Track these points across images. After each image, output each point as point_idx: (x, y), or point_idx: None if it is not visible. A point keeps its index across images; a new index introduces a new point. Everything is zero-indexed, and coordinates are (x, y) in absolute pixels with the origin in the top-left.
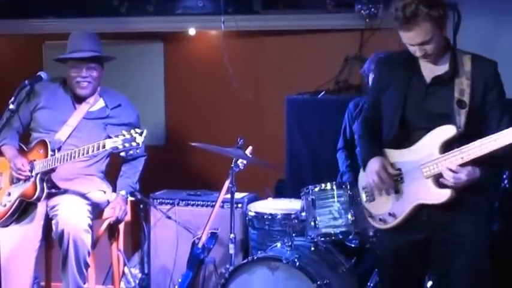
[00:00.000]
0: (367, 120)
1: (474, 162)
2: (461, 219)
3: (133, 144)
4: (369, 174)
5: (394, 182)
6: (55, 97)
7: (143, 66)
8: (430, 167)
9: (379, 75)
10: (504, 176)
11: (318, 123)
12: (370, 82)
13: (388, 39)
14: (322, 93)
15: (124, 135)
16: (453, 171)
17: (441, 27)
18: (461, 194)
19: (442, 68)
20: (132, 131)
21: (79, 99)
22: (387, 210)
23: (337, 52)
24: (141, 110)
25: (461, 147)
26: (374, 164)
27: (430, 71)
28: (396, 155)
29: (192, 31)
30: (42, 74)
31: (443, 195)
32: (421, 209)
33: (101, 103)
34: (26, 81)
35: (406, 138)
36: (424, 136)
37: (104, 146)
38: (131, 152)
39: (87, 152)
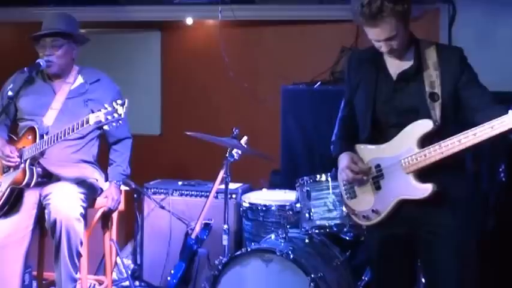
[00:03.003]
0: (341, 120)
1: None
2: (441, 213)
3: (116, 115)
4: (340, 171)
5: (373, 178)
6: (32, 83)
7: (140, 55)
8: (411, 162)
9: (348, 75)
10: (500, 169)
11: (313, 113)
12: None
13: None
14: (318, 83)
15: (106, 108)
16: None
17: (406, 22)
18: (442, 189)
19: (408, 63)
20: (114, 103)
21: (53, 80)
22: (370, 207)
23: (333, 43)
24: (137, 99)
25: (441, 142)
26: (343, 160)
27: (396, 67)
28: (373, 151)
29: (189, 20)
30: (41, 62)
31: (425, 190)
32: (403, 205)
33: (79, 80)
34: (26, 69)
35: (380, 136)
36: (401, 132)
37: (87, 121)
38: (114, 124)
39: (72, 130)
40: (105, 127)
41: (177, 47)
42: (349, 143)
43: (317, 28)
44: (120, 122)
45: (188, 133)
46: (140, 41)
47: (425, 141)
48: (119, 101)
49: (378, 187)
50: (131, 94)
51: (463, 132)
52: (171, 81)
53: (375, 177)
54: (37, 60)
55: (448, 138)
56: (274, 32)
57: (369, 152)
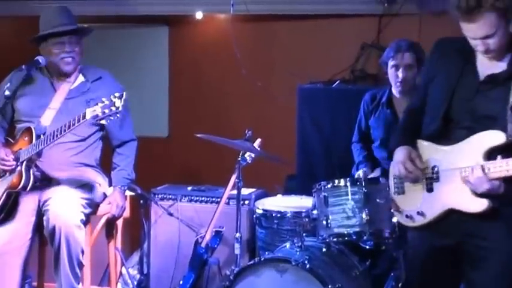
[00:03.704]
0: (409, 112)
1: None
2: (493, 228)
3: (113, 108)
4: (395, 164)
5: (427, 179)
6: (32, 82)
7: (147, 51)
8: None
9: (430, 62)
10: None
11: (331, 114)
12: (388, 71)
13: (407, 25)
14: (337, 82)
15: (103, 102)
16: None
17: (506, 21)
18: (498, 206)
19: (500, 67)
20: (111, 96)
21: (58, 80)
22: (416, 208)
23: (353, 39)
24: (143, 99)
25: (509, 159)
26: (399, 153)
27: (486, 67)
28: (434, 150)
29: (199, 15)
30: (40, 59)
31: (479, 205)
32: (452, 214)
33: (80, 78)
34: (23, 66)
35: (445, 135)
36: (469, 137)
37: (84, 117)
38: (111, 118)
39: (69, 127)
40: (103, 121)
41: (186, 43)
42: (410, 137)
43: (336, 23)
44: (118, 115)
45: (198, 135)
46: (146, 37)
47: (493, 154)
48: (117, 94)
49: (430, 189)
50: (137, 93)
51: None
52: (180, 79)
53: (429, 178)
54: (36, 57)
55: None
56: (290, 27)
57: (429, 150)
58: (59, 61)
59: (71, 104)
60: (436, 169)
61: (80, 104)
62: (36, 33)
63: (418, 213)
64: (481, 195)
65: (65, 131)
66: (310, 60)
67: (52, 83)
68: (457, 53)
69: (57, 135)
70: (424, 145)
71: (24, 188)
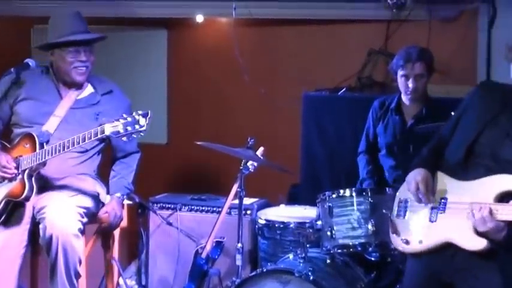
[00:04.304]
0: (440, 137)
1: None
2: (489, 268)
3: (137, 127)
4: (409, 179)
5: (432, 208)
6: (38, 87)
7: (144, 55)
8: (477, 210)
9: (471, 97)
10: None
11: (337, 123)
12: (398, 80)
13: (416, 32)
14: (343, 90)
15: (126, 119)
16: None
17: None
18: (495, 247)
19: None
20: (134, 113)
21: (65, 88)
22: (414, 234)
23: (360, 45)
24: (141, 105)
25: None
26: (417, 173)
27: None
28: (447, 182)
29: (199, 18)
30: (30, 62)
31: (478, 244)
32: (447, 248)
33: (89, 89)
34: (12, 69)
35: (464, 167)
36: (485, 177)
37: (102, 132)
38: (134, 135)
39: (84, 140)
40: (124, 138)
41: (186, 47)
42: (432, 165)
43: (342, 28)
44: (142, 134)
45: (198, 143)
46: (144, 40)
47: (505, 198)
48: (140, 111)
49: (432, 219)
50: (134, 99)
51: None
52: (179, 85)
53: (435, 207)
54: (25, 60)
55: None
56: (294, 32)
57: (442, 180)
58: (71, 70)
59: (77, 114)
60: (444, 201)
61: (88, 116)
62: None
63: (415, 239)
64: (482, 234)
65: (78, 143)
66: (315, 66)
67: (59, 89)
68: (501, 95)
69: (68, 147)
70: (439, 174)
71: (27, 198)
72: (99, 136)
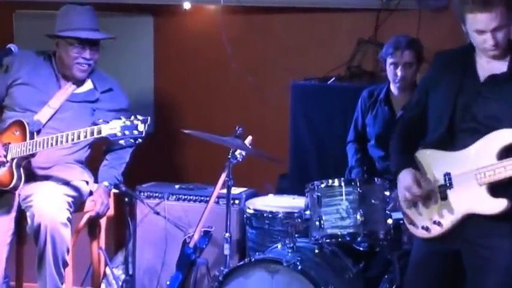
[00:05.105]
0: (407, 121)
1: None
2: (503, 233)
3: (135, 132)
4: (401, 190)
5: (440, 187)
6: (38, 74)
7: (130, 43)
8: (487, 173)
9: (429, 73)
10: None
11: (326, 112)
12: (387, 69)
13: (406, 21)
14: (332, 79)
15: (124, 122)
16: None
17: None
18: None
19: (500, 68)
20: (133, 117)
21: (65, 79)
22: (432, 218)
23: (349, 34)
24: (126, 93)
25: None
26: (404, 179)
27: (486, 70)
28: (444, 158)
29: (187, 5)
30: (12, 47)
31: (498, 205)
32: (467, 220)
33: (89, 85)
34: None
35: (449, 141)
36: (480, 140)
37: (99, 132)
38: (132, 140)
39: (78, 138)
40: (122, 142)
41: (172, 35)
42: (409, 153)
43: (332, 17)
44: (140, 140)
45: (185, 131)
46: (129, 27)
47: (506, 153)
48: (140, 117)
49: (443, 197)
50: (122, 89)
51: None
52: (165, 73)
53: (442, 186)
54: (8, 45)
55: None
56: (283, 20)
57: (437, 158)
58: (73, 65)
59: (73, 108)
60: (448, 176)
61: (84, 112)
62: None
63: (434, 222)
64: (499, 195)
65: (73, 140)
66: (304, 55)
67: (58, 80)
68: (456, 62)
69: (61, 142)
70: (428, 154)
71: (15, 188)
72: (95, 136)
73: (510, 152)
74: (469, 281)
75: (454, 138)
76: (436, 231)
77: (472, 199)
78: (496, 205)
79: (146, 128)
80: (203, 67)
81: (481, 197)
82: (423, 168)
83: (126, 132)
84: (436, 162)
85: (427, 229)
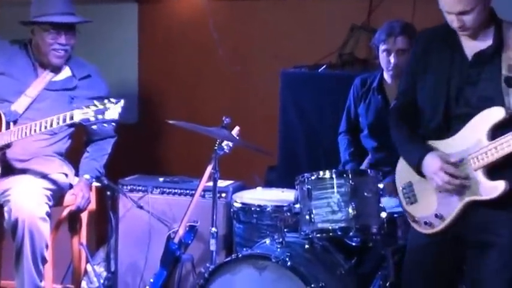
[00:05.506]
0: (401, 109)
1: None
2: (502, 218)
3: (108, 115)
4: (435, 176)
5: None
6: (14, 63)
7: (114, 30)
8: (479, 157)
9: (414, 57)
10: None
11: (317, 102)
12: (380, 56)
13: (400, 6)
14: (323, 67)
15: (96, 106)
16: None
17: None
18: None
19: (486, 43)
20: (106, 101)
21: (42, 68)
22: (432, 212)
23: (341, 20)
24: (110, 82)
25: None
26: (432, 162)
27: (472, 47)
28: (438, 147)
29: None
30: None
31: (496, 188)
32: (468, 209)
33: (66, 72)
34: None
35: (446, 127)
36: (468, 123)
37: (71, 118)
38: (105, 125)
39: (51, 125)
40: (94, 127)
41: (157, 21)
42: (421, 139)
43: (323, 2)
44: (113, 124)
45: (170, 121)
46: (113, 15)
47: (498, 132)
48: (113, 99)
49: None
50: (103, 75)
51: None
52: (150, 61)
53: None
54: None
55: None
56: (272, 6)
57: (434, 148)
58: (49, 51)
59: (51, 96)
60: None
61: (62, 100)
62: None
63: (436, 216)
64: (496, 177)
65: (46, 127)
66: (294, 42)
67: (35, 68)
68: (441, 40)
69: (34, 130)
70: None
71: None
72: (68, 122)
73: (500, 130)
74: (469, 264)
75: (450, 125)
76: (439, 225)
77: (469, 186)
78: (493, 188)
79: (120, 110)
80: (189, 55)
81: (478, 182)
82: None
83: (100, 117)
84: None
85: (430, 224)
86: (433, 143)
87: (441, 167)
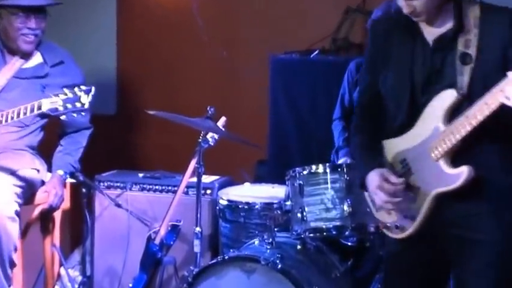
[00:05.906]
0: (364, 109)
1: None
2: (481, 211)
3: (78, 105)
4: (373, 194)
5: (400, 177)
6: None
7: (91, 16)
8: (438, 145)
9: (372, 48)
10: None
11: (309, 90)
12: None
13: None
14: (316, 52)
15: (66, 94)
16: None
17: None
18: (486, 174)
19: (446, 26)
20: (76, 89)
21: (11, 53)
22: (402, 213)
23: (335, 2)
24: (87, 71)
25: (466, 111)
26: (372, 181)
27: (432, 32)
28: (400, 144)
29: None
30: None
31: (460, 175)
32: (438, 203)
33: (37, 58)
34: None
35: (411, 121)
36: (423, 112)
37: (39, 108)
38: (75, 115)
39: (18, 116)
40: (63, 117)
41: (137, 5)
42: (373, 150)
43: None
44: (83, 113)
45: (150, 112)
46: (90, 0)
47: (454, 117)
48: (83, 87)
49: (407, 187)
50: (80, 65)
51: (490, 91)
52: (130, 48)
53: (401, 174)
54: None
55: (474, 103)
56: None
57: (394, 146)
58: (18, 37)
59: (21, 85)
60: (405, 162)
61: (33, 88)
62: None
63: (405, 217)
64: (458, 163)
65: (12, 118)
66: (284, 25)
67: (3, 54)
68: (400, 28)
69: (1, 122)
70: (387, 146)
71: None
72: (35, 112)
73: (457, 114)
74: (453, 264)
75: (412, 119)
76: (410, 226)
77: (434, 178)
78: (457, 176)
79: (90, 99)
80: (171, 41)
81: (441, 172)
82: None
83: (69, 106)
84: (393, 151)
85: (401, 228)
86: (393, 141)
87: (378, 186)
